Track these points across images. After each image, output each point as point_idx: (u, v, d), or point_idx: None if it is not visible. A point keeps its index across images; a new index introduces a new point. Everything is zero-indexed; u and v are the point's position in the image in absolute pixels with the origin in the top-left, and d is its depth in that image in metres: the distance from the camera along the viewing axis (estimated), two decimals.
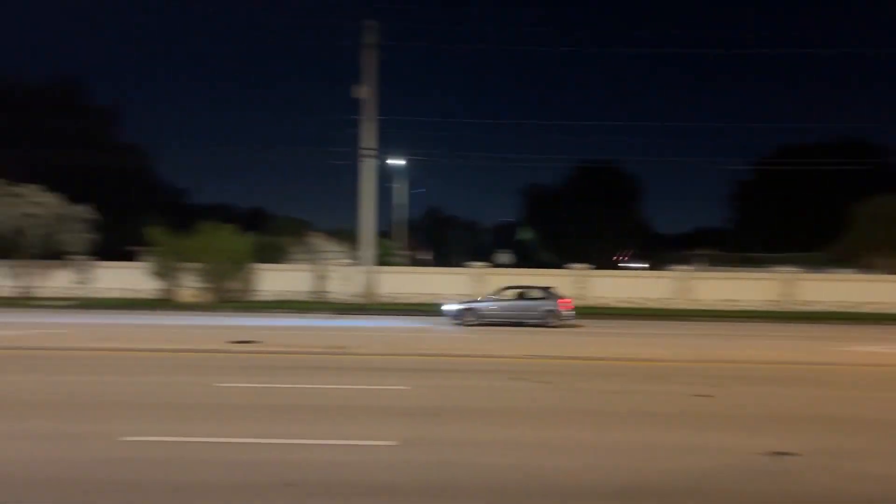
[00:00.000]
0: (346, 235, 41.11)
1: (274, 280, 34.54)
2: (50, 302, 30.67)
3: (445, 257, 58.38)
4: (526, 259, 53.43)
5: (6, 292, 33.40)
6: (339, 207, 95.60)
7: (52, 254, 33.90)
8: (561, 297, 24.12)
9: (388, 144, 35.71)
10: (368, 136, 32.59)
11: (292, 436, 7.62)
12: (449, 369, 13.13)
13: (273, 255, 37.43)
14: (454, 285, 34.36)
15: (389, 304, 31.63)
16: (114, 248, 36.10)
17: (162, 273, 32.61)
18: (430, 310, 28.85)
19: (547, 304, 23.80)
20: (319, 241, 44.94)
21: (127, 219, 39.30)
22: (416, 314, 28.38)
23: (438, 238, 65.29)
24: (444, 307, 24.46)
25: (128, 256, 36.61)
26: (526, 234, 63.80)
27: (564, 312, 23.61)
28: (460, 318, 23.73)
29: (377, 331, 21.20)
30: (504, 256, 52.43)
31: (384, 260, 36.39)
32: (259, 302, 32.41)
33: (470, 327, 22.91)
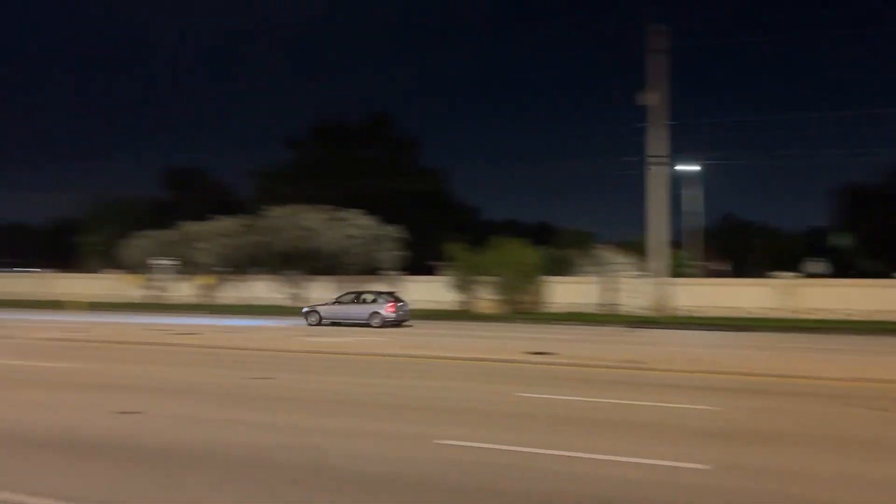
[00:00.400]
0: (635, 246, 40.12)
1: (563, 292, 34.94)
2: None
3: (744, 268, 54.03)
4: (843, 268, 47.18)
5: None
6: (626, 218, 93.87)
7: (370, 269, 38.21)
8: (388, 302, 26.78)
9: (678, 150, 34.13)
10: (657, 142, 31.52)
11: (596, 450, 7.48)
12: (762, 390, 11.98)
13: (561, 267, 37.96)
14: (756, 298, 31.63)
15: (683, 318, 30.06)
16: (419, 263, 39.57)
17: (460, 286, 34.87)
18: (729, 324, 26.89)
19: (373, 307, 26.75)
20: (607, 253, 44.51)
21: (429, 236, 42.81)
22: (713, 328, 26.62)
23: (736, 247, 60.63)
24: (303, 309, 28.32)
25: (430, 271, 39.85)
26: (842, 240, 56.32)
27: (387, 315, 26.30)
28: (307, 318, 27.38)
29: (673, 345, 20.24)
30: (816, 265, 46.87)
31: (676, 271, 34.78)
32: (549, 314, 33.01)
33: (316, 326, 26.34)
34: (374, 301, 27.16)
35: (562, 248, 42.64)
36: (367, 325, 26.10)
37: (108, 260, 47.55)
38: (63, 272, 49.37)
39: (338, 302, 27.99)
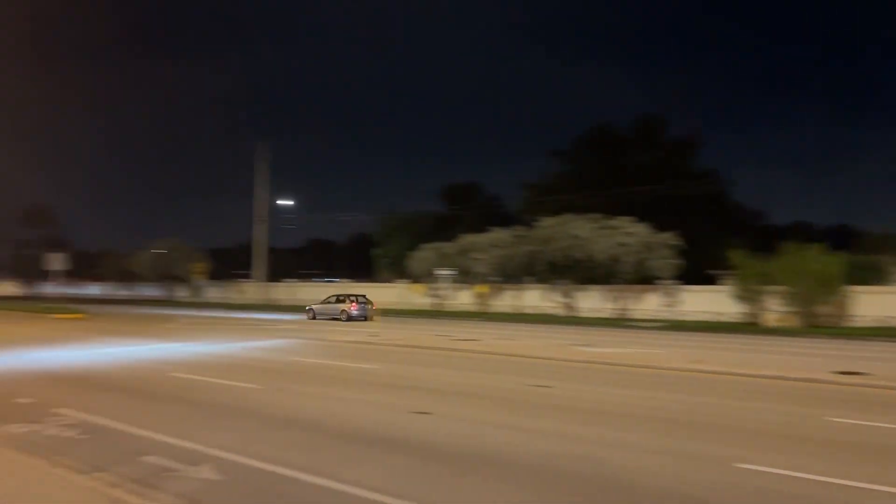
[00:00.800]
0: None
1: (872, 304, 30.57)
2: (641, 323, 33.40)
3: None
4: None
5: (606, 314, 37.81)
6: None
7: (643, 279, 36.96)
8: (352, 302, 34.28)
9: None
10: None
11: None
12: None
13: (868, 275, 33.23)
14: None
15: None
16: (696, 272, 37.37)
17: (744, 296, 32.19)
18: None
19: (342, 306, 34.25)
20: None
21: (707, 243, 40.28)
22: None
23: None
24: (306, 307, 36.58)
25: (709, 280, 37.43)
26: None
27: (351, 312, 33.82)
28: (307, 314, 35.61)
29: None
30: None
31: None
32: (855, 328, 29.05)
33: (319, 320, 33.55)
34: (343, 301, 34.81)
35: (867, 253, 37.36)
36: (338, 319, 33.57)
37: (397, 270, 52.19)
38: (360, 282, 55.30)
39: (325, 302, 35.83)
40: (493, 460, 7.40)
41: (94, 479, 6.39)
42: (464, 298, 44.17)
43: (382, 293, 46.95)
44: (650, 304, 37.07)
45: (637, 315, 36.60)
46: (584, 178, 48.61)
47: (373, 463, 7.26)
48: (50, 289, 52.73)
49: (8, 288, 70.22)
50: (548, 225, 39.66)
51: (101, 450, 7.62)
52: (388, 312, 39.44)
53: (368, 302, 35.51)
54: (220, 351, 18.94)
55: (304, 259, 76.78)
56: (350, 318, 33.67)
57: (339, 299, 35.38)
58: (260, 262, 54.64)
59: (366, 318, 34.33)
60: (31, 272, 63.46)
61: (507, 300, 42.63)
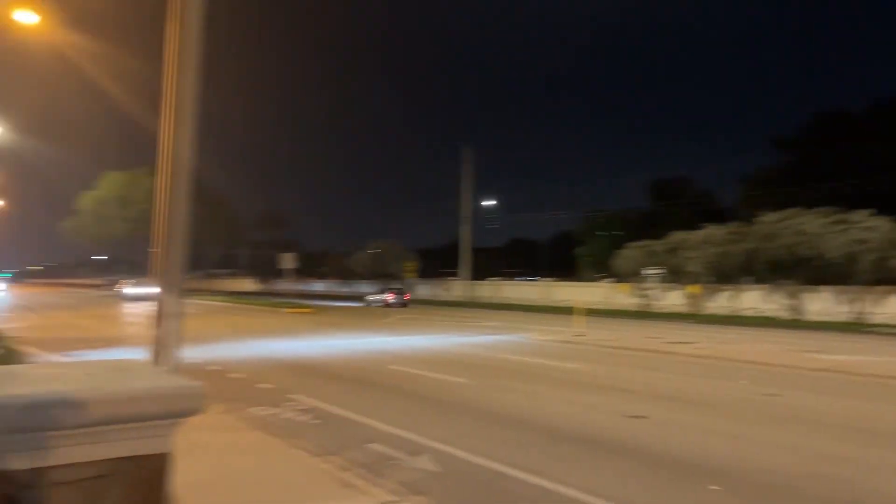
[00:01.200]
0: None
1: None
2: (883, 329, 29.61)
3: None
4: None
5: (838, 317, 33.99)
6: None
7: (885, 279, 32.76)
8: (389, 292, 45.45)
9: None
10: None
11: None
12: None
13: None
14: None
15: None
16: None
17: None
18: None
19: (383, 295, 45.20)
20: None
21: None
22: None
23: None
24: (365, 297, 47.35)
25: None
26: None
27: (389, 300, 44.39)
28: (364, 303, 45.57)
29: None
30: None
31: None
32: None
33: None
34: (384, 293, 45.26)
35: None
36: (381, 305, 43.26)
37: (600, 269, 51.07)
38: (562, 281, 54.87)
39: (375, 293, 45.98)
40: (722, 472, 6.88)
41: (326, 461, 6.85)
42: (673, 299, 42.04)
43: (586, 293, 46.17)
44: (894, 307, 32.75)
45: (877, 320, 32.49)
46: (812, 169, 44.14)
47: (589, 465, 7.06)
48: (282, 285, 58.50)
49: (247, 284, 78.86)
50: (770, 220, 36.49)
51: (331, 435, 8.18)
52: (592, 313, 38.65)
53: (403, 293, 46.08)
54: (431, 345, 19.70)
55: (507, 258, 77.91)
56: (388, 305, 43.47)
57: (383, 291, 46.49)
58: (465, 261, 56.26)
59: (403, 306, 43.68)
60: (266, 270, 70.84)
61: (722, 301, 39.86)
